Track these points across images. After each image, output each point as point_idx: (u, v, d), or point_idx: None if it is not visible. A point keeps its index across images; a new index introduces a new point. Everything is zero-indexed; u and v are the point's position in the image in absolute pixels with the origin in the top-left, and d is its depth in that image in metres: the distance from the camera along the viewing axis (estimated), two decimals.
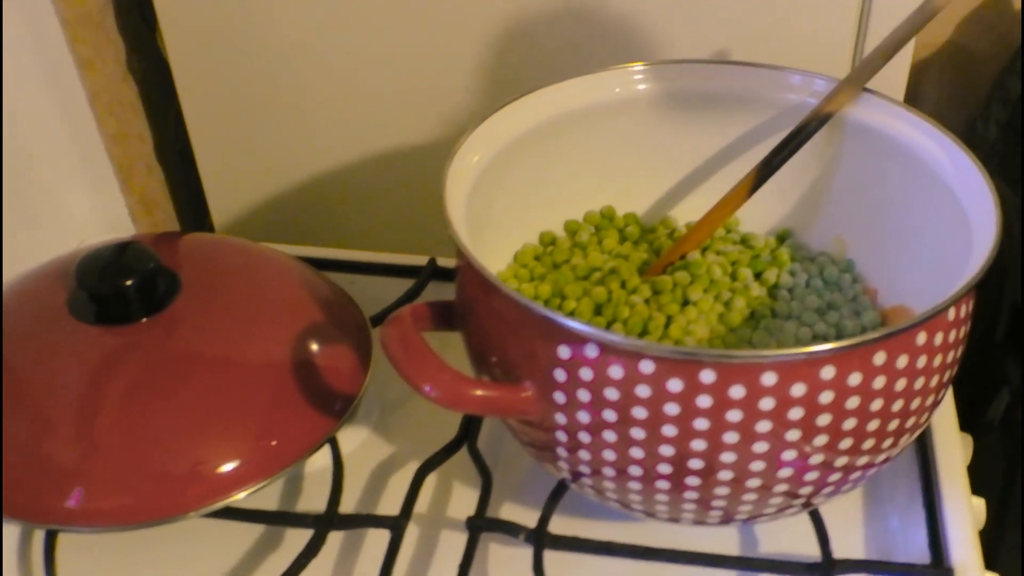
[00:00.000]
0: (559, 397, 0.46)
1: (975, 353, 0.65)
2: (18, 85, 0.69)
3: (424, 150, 0.77)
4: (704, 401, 0.43)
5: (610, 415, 0.45)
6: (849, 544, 0.55)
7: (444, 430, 0.58)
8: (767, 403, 0.43)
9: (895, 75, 0.69)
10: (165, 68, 0.78)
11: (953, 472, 0.56)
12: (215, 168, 0.82)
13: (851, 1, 0.66)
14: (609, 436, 0.46)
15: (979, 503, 0.57)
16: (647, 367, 0.44)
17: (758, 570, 0.53)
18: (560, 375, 0.46)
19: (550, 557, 0.52)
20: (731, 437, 0.44)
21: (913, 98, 0.55)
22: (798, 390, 0.43)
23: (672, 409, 0.44)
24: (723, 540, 0.55)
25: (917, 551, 0.53)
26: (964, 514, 0.53)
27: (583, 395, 0.45)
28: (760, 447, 0.45)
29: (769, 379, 0.43)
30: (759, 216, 0.63)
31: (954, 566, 0.51)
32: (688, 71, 0.60)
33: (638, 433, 0.45)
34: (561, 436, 0.48)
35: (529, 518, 0.54)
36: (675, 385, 0.43)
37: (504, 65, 0.72)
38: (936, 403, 0.49)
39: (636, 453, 0.46)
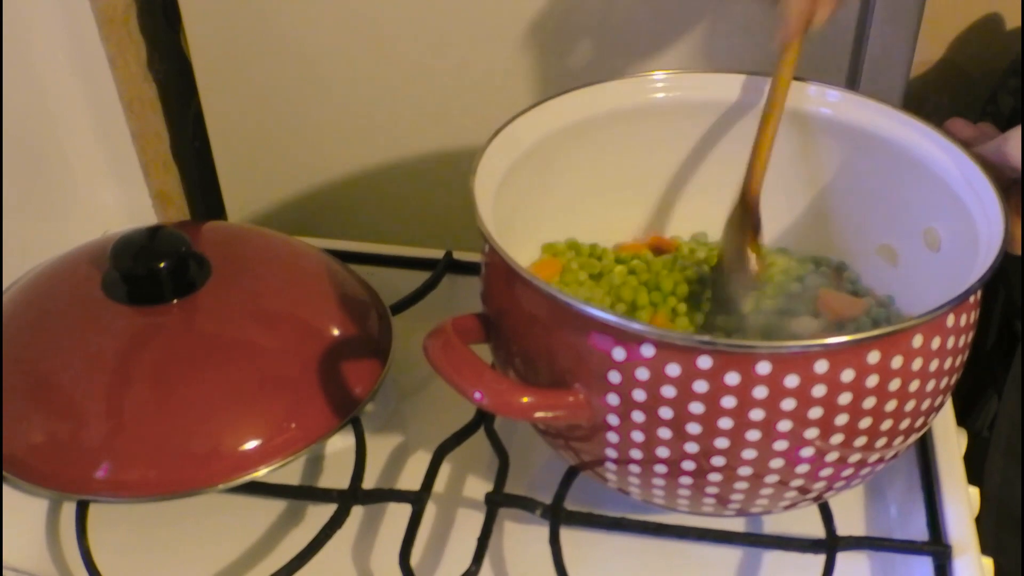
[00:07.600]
0: (612, 399, 0.46)
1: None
2: (52, 79, 0.70)
3: (438, 149, 0.79)
4: (760, 392, 0.44)
5: (666, 412, 0.45)
6: (851, 526, 0.57)
7: (461, 415, 0.60)
8: (819, 390, 0.44)
9: (892, 93, 0.71)
10: (184, 69, 0.80)
11: (951, 458, 0.58)
12: (232, 166, 0.83)
13: (850, 12, 0.69)
14: (664, 433, 0.46)
15: (973, 491, 0.58)
16: (705, 362, 0.44)
17: (765, 546, 0.55)
18: (615, 377, 0.46)
19: (563, 535, 0.54)
20: (785, 425, 0.45)
21: None
22: (847, 376, 0.44)
23: (729, 402, 0.44)
24: (731, 518, 0.57)
25: (916, 532, 0.55)
26: (962, 496, 0.55)
27: (638, 395, 0.45)
28: (811, 433, 0.45)
29: (821, 367, 0.44)
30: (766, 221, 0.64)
31: (952, 543, 0.53)
32: (704, 81, 0.61)
33: (694, 428, 0.45)
34: (612, 437, 0.48)
35: (544, 497, 0.55)
36: (732, 378, 0.44)
37: (520, 71, 0.74)
38: (949, 392, 0.50)
39: (691, 448, 0.46)
